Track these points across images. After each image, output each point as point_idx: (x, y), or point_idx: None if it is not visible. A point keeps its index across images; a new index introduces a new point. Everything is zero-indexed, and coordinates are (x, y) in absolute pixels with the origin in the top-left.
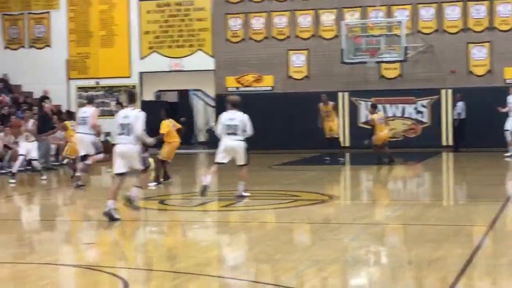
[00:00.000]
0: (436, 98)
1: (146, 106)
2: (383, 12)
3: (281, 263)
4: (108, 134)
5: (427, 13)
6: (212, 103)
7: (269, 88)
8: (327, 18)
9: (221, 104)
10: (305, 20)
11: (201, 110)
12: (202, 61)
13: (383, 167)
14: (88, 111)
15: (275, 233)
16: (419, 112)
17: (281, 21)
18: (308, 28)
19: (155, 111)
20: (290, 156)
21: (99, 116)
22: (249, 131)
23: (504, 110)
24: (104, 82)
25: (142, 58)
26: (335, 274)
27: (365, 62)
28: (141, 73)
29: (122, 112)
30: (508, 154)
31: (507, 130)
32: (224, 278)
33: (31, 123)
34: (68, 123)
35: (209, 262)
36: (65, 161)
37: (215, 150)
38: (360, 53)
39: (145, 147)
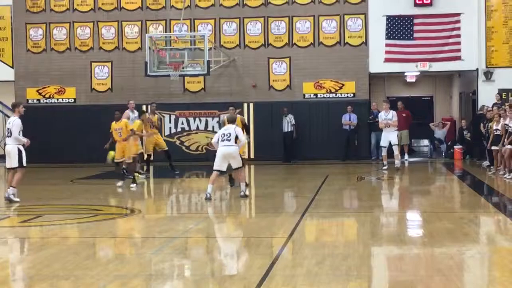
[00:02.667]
0: (238, 111)
1: None
2: (187, 26)
3: (81, 279)
4: None
5: (229, 28)
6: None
7: (71, 100)
8: (131, 30)
9: (22, 115)
10: (108, 32)
11: (1, 122)
12: (1, 71)
13: (184, 180)
14: None
15: (75, 248)
16: None
17: (84, 32)
18: (111, 40)
19: None
20: (93, 169)
21: None
22: (15, 133)
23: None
24: None
25: None
26: None
27: (168, 75)
28: None
29: (223, 128)
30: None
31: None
32: None
33: None
34: None
35: (3, 281)
36: None
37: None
38: (164, 66)
39: None
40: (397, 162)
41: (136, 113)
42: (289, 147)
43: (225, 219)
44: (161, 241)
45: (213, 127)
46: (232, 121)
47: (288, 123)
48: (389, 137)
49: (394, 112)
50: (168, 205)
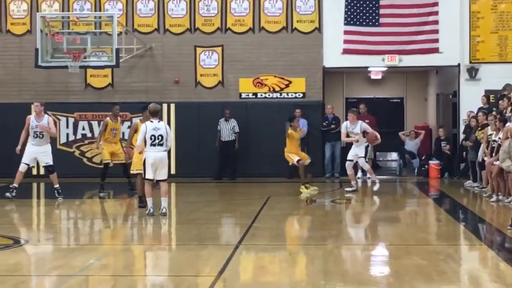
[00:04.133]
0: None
1: None
2: (91, 3)
3: None
4: None
5: (145, 7)
6: None
7: None
8: (18, 7)
9: None
10: None
11: None
12: None
13: (84, 202)
14: None
15: None
16: None
17: None
18: None
19: None
20: None
21: None
22: None
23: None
24: None
25: None
26: None
27: (66, 67)
28: None
29: (151, 126)
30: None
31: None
32: None
33: None
34: None
35: None
36: None
37: None
38: (61, 54)
39: None
40: (373, 177)
41: (45, 120)
42: (230, 161)
43: (136, 252)
44: (52, 280)
45: (123, 133)
46: (156, 113)
47: (230, 130)
48: (357, 150)
49: (365, 124)
50: (63, 233)
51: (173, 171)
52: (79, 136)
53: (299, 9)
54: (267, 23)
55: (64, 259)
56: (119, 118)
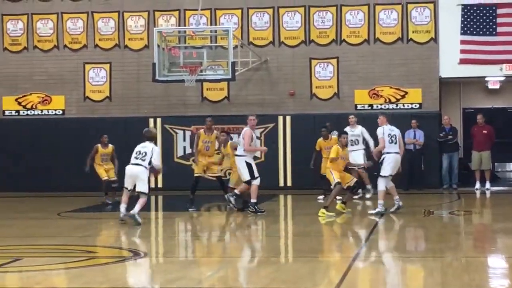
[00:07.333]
0: (272, 126)
1: None
2: (206, 17)
3: None
4: None
5: (260, 20)
6: None
7: (59, 112)
8: (135, 23)
9: None
10: (106, 25)
11: None
12: None
13: (202, 214)
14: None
15: None
16: None
17: (75, 25)
18: (110, 36)
19: None
20: (84, 200)
21: None
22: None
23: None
24: None
25: None
26: None
27: (183, 81)
28: None
29: (140, 145)
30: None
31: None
32: None
33: None
34: None
35: None
36: None
37: None
38: (177, 68)
39: None
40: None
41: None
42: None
43: (253, 264)
44: None
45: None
46: (150, 137)
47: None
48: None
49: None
50: (180, 246)
51: (289, 183)
52: None
53: (414, 20)
54: (382, 34)
55: (182, 272)
56: (215, 131)
